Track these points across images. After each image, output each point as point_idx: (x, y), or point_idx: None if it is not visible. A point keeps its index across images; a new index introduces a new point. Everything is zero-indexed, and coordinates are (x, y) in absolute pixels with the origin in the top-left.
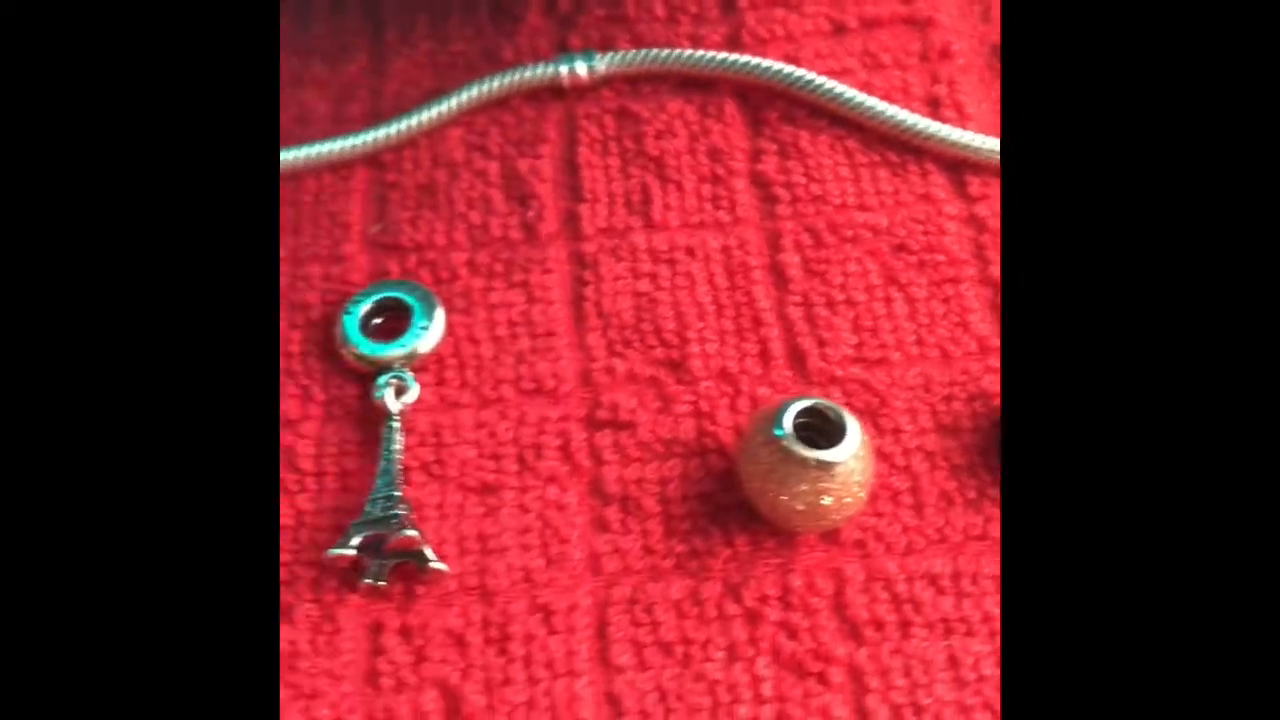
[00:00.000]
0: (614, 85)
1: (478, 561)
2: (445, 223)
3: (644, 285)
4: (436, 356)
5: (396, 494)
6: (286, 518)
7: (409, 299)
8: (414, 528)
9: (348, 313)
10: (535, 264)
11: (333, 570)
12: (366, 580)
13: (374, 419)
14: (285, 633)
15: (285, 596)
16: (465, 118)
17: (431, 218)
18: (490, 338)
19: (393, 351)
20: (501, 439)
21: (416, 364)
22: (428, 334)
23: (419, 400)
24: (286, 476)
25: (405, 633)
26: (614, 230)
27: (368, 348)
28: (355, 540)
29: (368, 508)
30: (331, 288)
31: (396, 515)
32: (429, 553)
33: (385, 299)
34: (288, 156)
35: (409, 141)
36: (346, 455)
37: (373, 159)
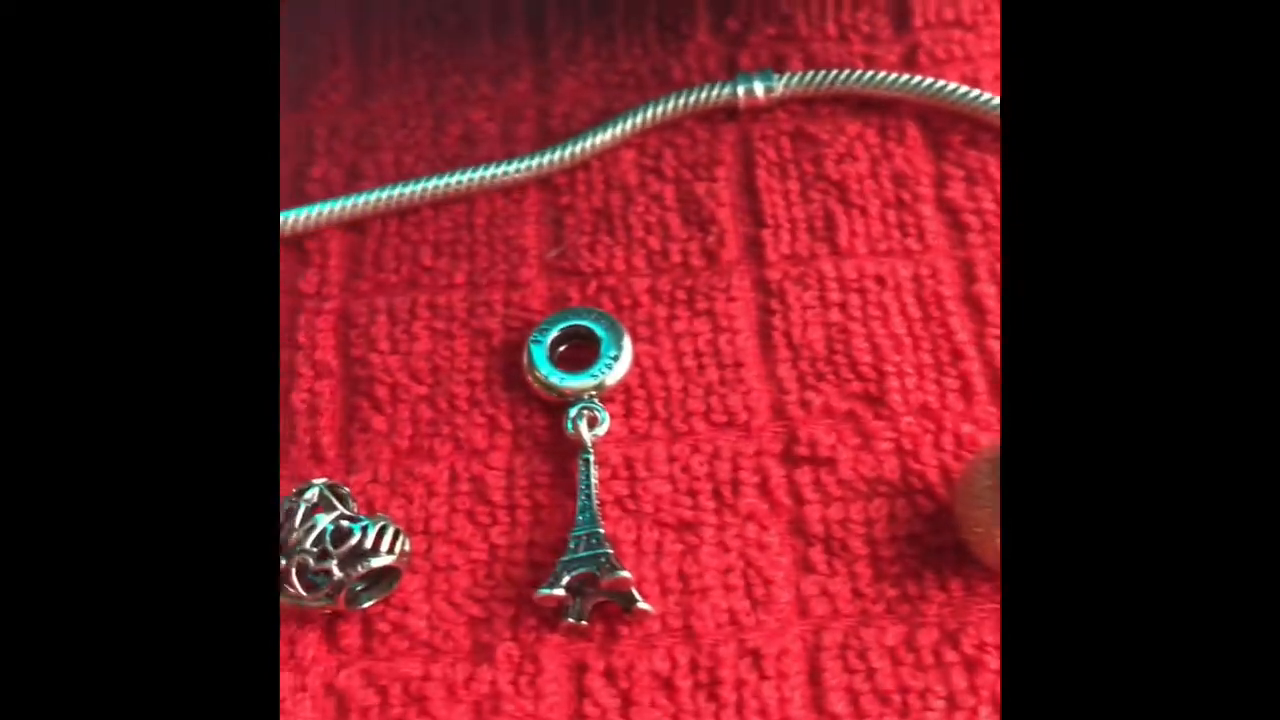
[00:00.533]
0: (788, 107)
1: (681, 602)
2: (623, 248)
3: (834, 315)
4: (624, 387)
5: (600, 531)
6: (479, 552)
7: (596, 328)
8: (622, 568)
9: (535, 341)
10: (719, 291)
11: (530, 607)
12: (569, 619)
13: (563, 451)
14: (486, 673)
15: (483, 635)
16: (637, 139)
17: (609, 242)
18: (677, 368)
19: (582, 382)
20: (696, 473)
21: (604, 394)
22: (617, 364)
23: (608, 432)
24: (477, 508)
25: (610, 675)
26: (798, 257)
27: (557, 377)
28: (565, 579)
29: (571, 545)
30: (513, 314)
31: (604, 554)
32: (636, 593)
33: (572, 327)
34: (460, 179)
35: (581, 164)
36: (538, 488)
37: (545, 181)
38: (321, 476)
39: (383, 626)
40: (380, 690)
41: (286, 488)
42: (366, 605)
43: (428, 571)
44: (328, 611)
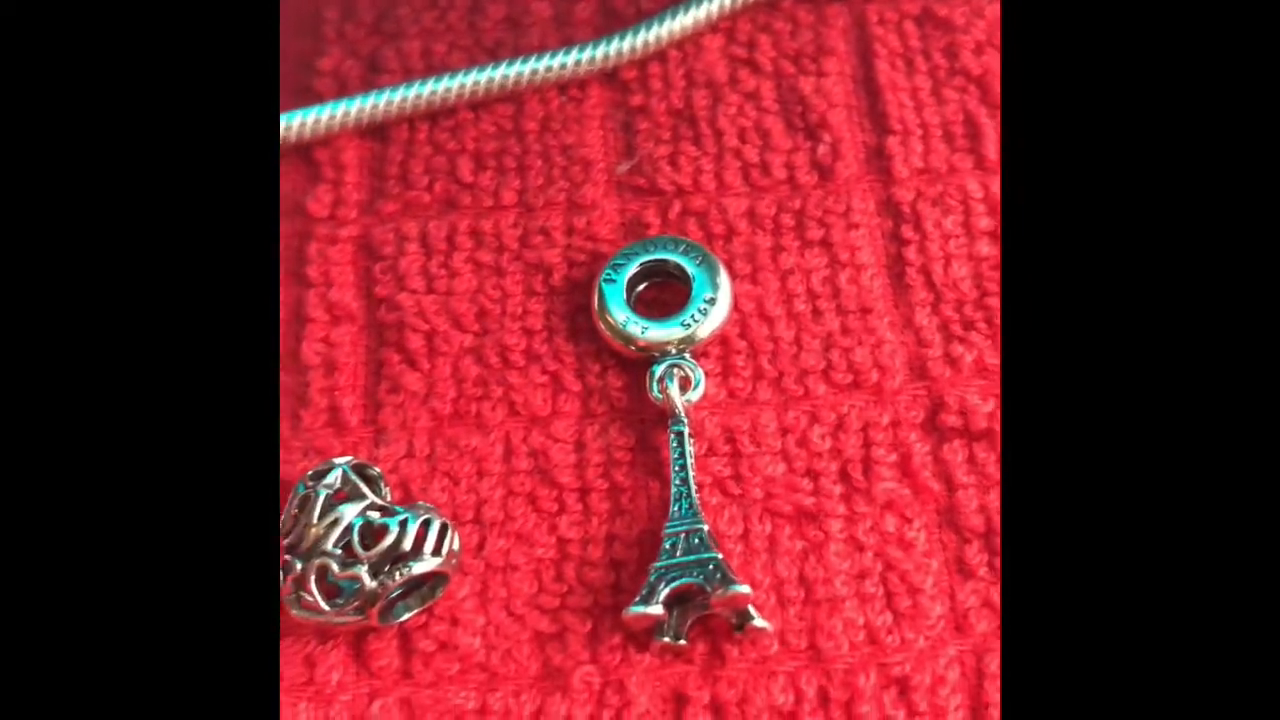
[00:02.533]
0: None
1: (803, 615)
2: (712, 159)
3: (984, 246)
4: (721, 338)
5: (703, 527)
6: (546, 548)
7: (686, 263)
8: (737, 579)
9: (608, 280)
10: (836, 216)
11: (613, 619)
12: (663, 638)
13: (647, 418)
14: (557, 705)
15: (554, 656)
16: (725, 23)
17: (694, 153)
18: (787, 314)
19: (669, 331)
20: (816, 449)
21: (697, 348)
22: (713, 310)
23: (703, 395)
24: (540, 492)
25: (718, 709)
26: (935, 172)
27: (638, 326)
28: (663, 593)
29: (667, 545)
30: (577, 244)
31: (713, 560)
32: (753, 610)
33: (654, 262)
34: (505, 73)
35: (656, 54)
36: (616, 466)
37: (611, 76)
38: (344, 452)
39: (425, 644)
40: None
41: (298, 467)
42: (405, 618)
43: (480, 573)
44: (355, 627)
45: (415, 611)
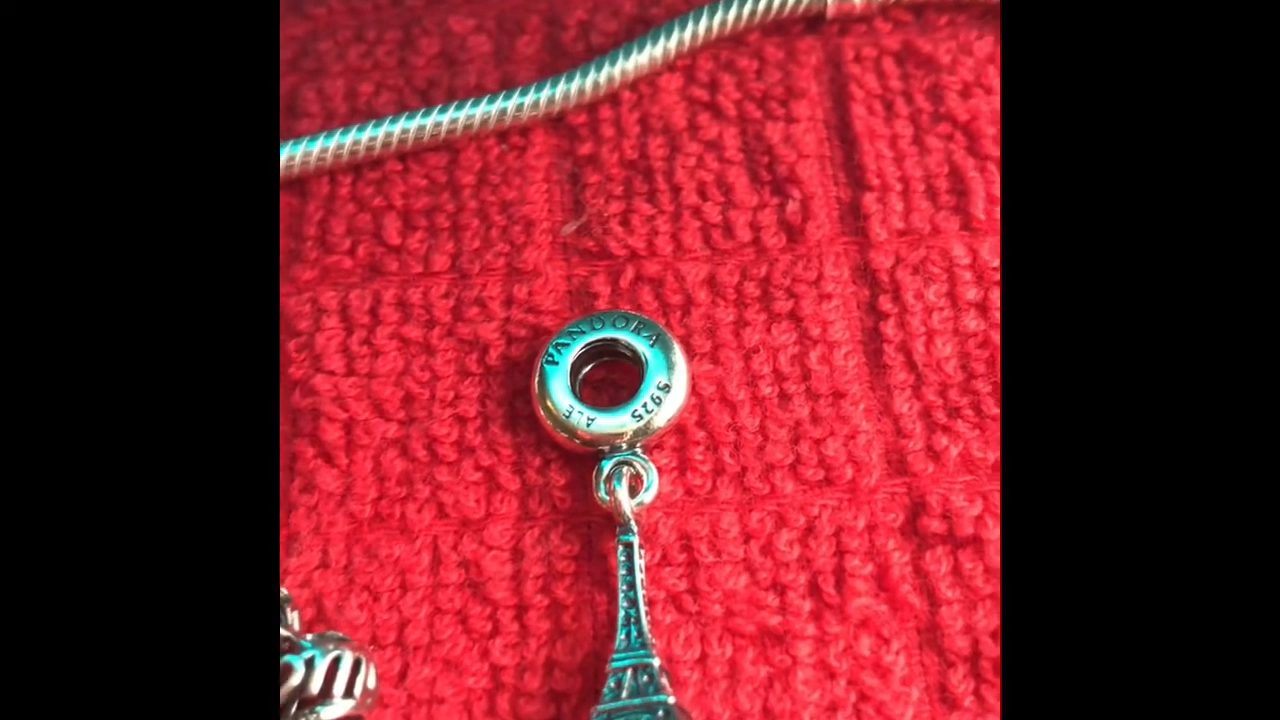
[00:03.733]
0: (891, 13)
1: None
2: (669, 219)
3: (971, 321)
4: (677, 426)
5: (653, 662)
6: (477, 675)
7: (639, 342)
8: None
9: (550, 361)
10: (806, 285)
11: None
12: None
13: (594, 520)
14: None
15: None
16: (684, 61)
17: (649, 211)
18: (751, 399)
19: (619, 421)
20: (783, 558)
21: (649, 441)
22: (669, 398)
23: (656, 496)
24: (471, 609)
25: None
26: (917, 234)
27: (583, 416)
28: None
29: (611, 683)
30: (516, 318)
31: (662, 704)
32: None
33: (602, 341)
34: (439, 119)
35: (608, 96)
36: (557, 578)
37: (557, 121)
38: None
39: None
40: None
41: None
42: None
43: (402, 706)
44: None
45: None
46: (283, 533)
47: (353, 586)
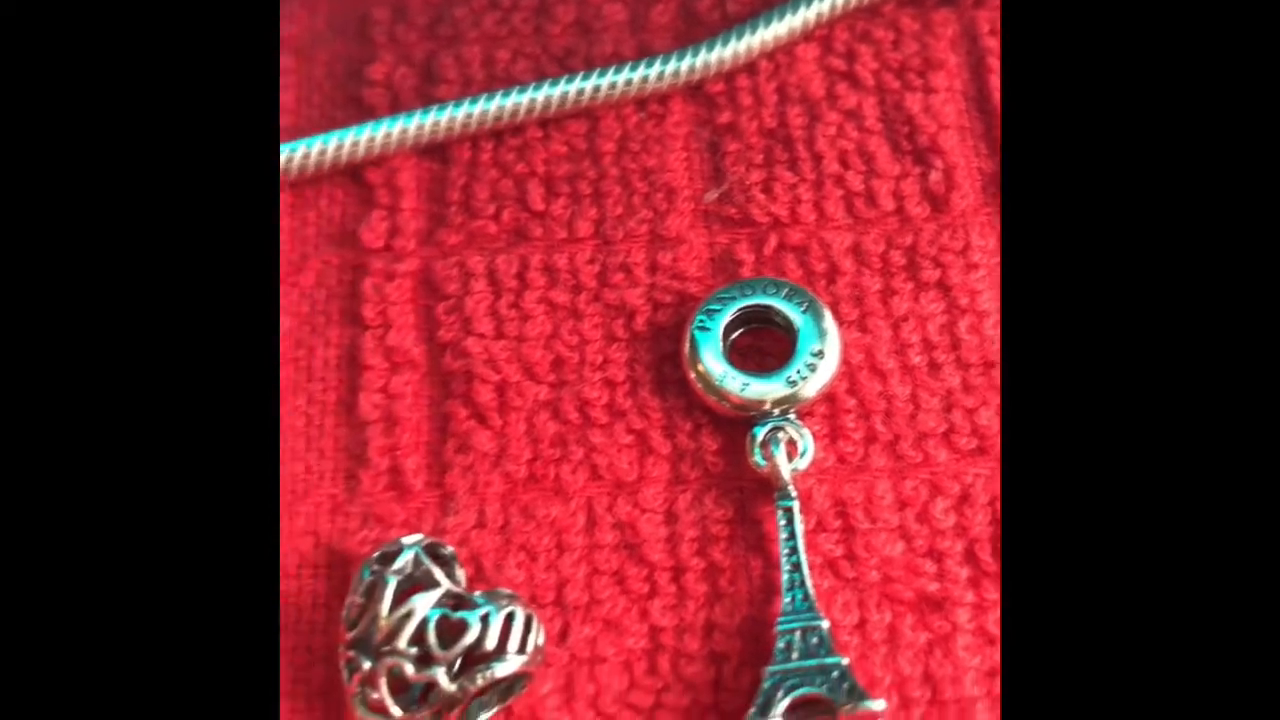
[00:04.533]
0: None
1: (928, 718)
2: (811, 188)
3: None
4: (827, 394)
5: (821, 624)
6: (637, 635)
7: (790, 310)
8: (869, 694)
9: (701, 328)
10: (952, 255)
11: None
12: None
13: (746, 486)
14: None
15: None
16: (820, 31)
17: (791, 179)
18: (901, 368)
19: (772, 388)
20: (939, 525)
21: (801, 408)
22: (822, 365)
23: (811, 463)
24: (629, 570)
25: None
26: None
27: (736, 381)
28: (783, 704)
29: (781, 645)
30: (661, 284)
31: (836, 666)
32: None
33: (753, 308)
34: (579, 86)
35: (745, 66)
36: (712, 541)
37: (695, 91)
38: (406, 520)
39: None
40: None
41: (357, 536)
42: (481, 719)
43: (564, 665)
44: None
45: (493, 712)
46: (435, 493)
47: (510, 546)
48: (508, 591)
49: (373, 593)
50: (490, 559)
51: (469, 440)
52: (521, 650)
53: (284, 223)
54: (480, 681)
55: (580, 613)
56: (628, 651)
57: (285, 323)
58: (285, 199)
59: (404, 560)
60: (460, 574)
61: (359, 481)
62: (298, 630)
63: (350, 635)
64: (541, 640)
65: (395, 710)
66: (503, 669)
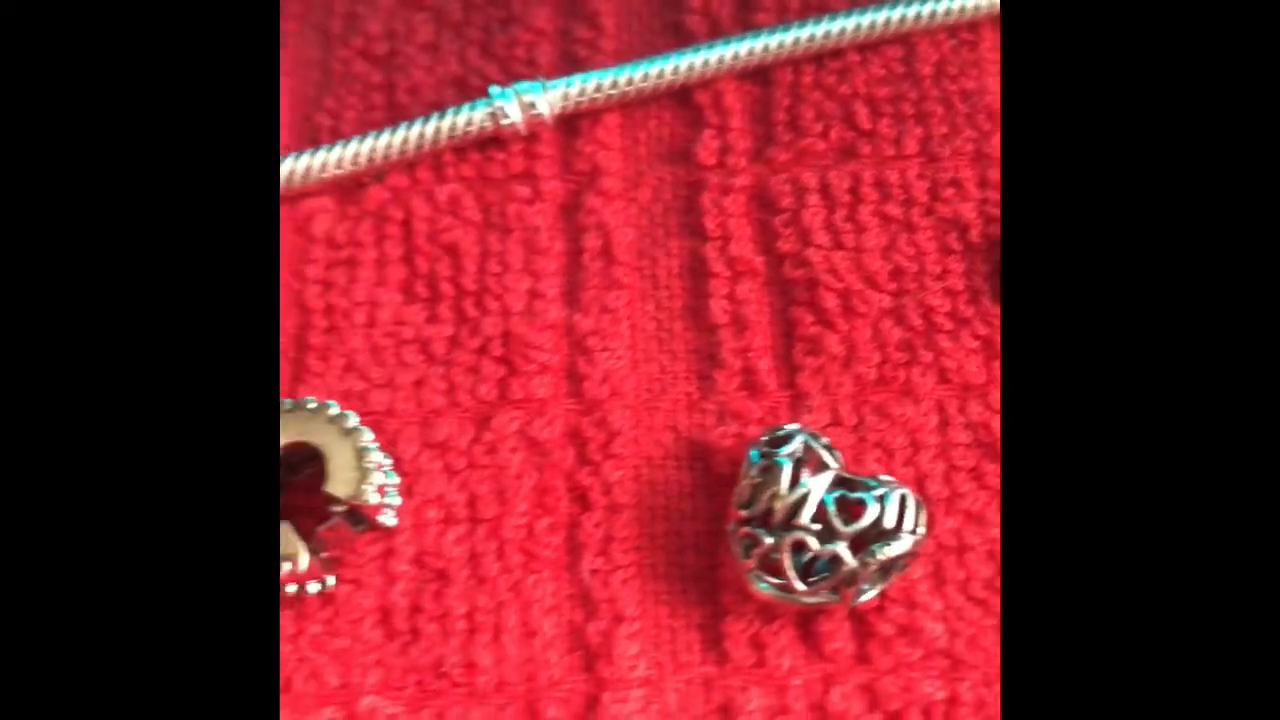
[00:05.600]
0: None
1: None
2: None
3: None
4: None
5: None
6: (999, 526)
7: None
8: None
9: None
10: None
11: None
12: None
13: None
14: None
15: None
16: None
17: None
18: None
19: None
20: None
21: None
22: None
23: None
24: (985, 467)
25: None
26: None
27: None
28: None
29: None
30: (993, 198)
31: None
32: None
33: None
34: (890, 14)
35: None
36: None
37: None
38: (761, 417)
39: (884, 628)
40: (892, 716)
41: (714, 432)
42: (865, 598)
43: (933, 553)
44: (814, 607)
45: (875, 592)
46: (787, 393)
47: (865, 444)
48: (889, 477)
49: (769, 473)
50: (848, 455)
51: (818, 343)
52: (913, 531)
53: (616, 141)
54: (880, 557)
55: (942, 505)
56: (992, 541)
57: (627, 234)
58: (614, 119)
59: (795, 444)
60: (840, 459)
61: (713, 381)
62: (668, 517)
63: (745, 514)
64: (924, 525)
65: (798, 584)
66: (898, 547)
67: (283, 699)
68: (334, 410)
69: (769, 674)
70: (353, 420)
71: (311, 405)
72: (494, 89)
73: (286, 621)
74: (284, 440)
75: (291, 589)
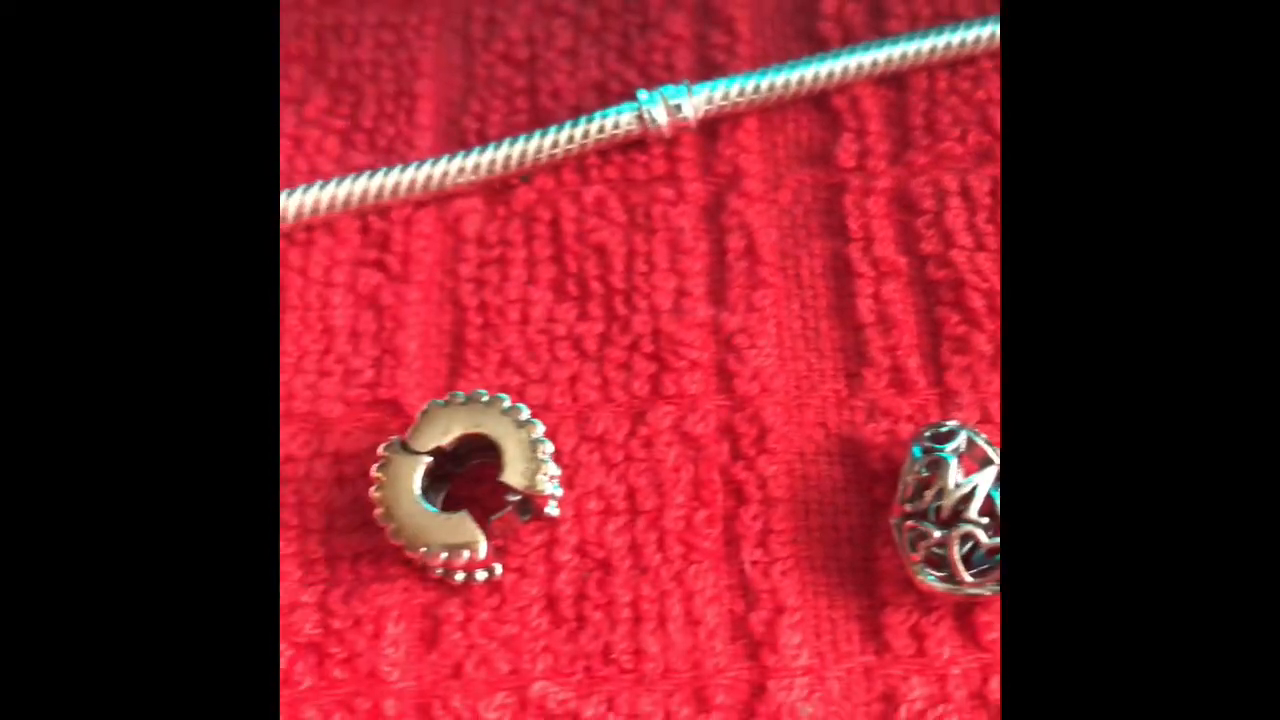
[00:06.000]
0: None
1: None
2: None
3: None
4: None
5: None
6: None
7: None
8: None
9: None
10: None
11: None
12: None
13: None
14: None
15: None
16: None
17: None
18: None
19: None
20: None
21: None
22: None
23: None
24: None
25: None
26: None
27: None
28: None
29: None
30: None
31: None
32: None
33: None
34: None
35: None
36: None
37: None
38: (910, 414)
39: None
40: None
41: (864, 429)
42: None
43: None
44: (972, 599)
45: None
46: (935, 391)
47: None
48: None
49: (934, 469)
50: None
51: (966, 342)
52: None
53: (755, 144)
54: None
55: None
56: None
57: (770, 234)
58: (752, 123)
59: (960, 440)
60: (998, 455)
61: (861, 379)
62: (822, 511)
63: (910, 508)
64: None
65: (966, 577)
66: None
67: (454, 684)
68: (507, 403)
69: (929, 663)
70: (525, 413)
71: (484, 398)
72: (641, 93)
73: (454, 608)
74: (458, 432)
75: (460, 577)
